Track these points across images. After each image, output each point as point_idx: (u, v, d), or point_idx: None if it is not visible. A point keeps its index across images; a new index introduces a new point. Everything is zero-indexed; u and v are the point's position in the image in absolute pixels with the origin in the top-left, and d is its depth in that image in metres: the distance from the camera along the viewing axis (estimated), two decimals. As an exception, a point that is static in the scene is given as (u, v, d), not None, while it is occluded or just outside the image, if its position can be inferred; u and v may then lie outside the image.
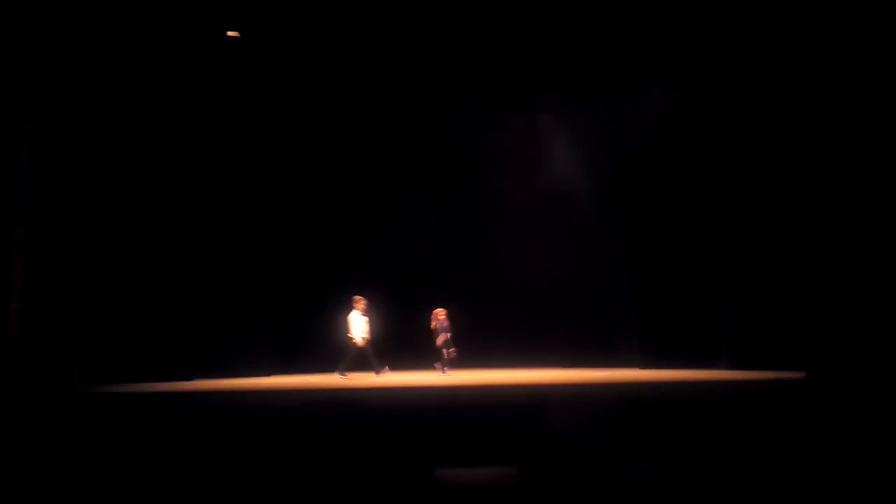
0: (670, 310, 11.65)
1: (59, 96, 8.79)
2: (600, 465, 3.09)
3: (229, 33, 10.80)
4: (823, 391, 6.85)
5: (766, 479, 3.70)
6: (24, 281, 8.19)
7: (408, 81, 12.12)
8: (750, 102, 10.49)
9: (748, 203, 10.69)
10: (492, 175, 13.10)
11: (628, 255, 12.46)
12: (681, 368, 10.75)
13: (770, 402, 6.55)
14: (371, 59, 11.58)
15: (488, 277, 13.00)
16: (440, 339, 11.12)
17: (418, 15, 10.50)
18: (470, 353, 11.45)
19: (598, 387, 8.62)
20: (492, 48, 11.36)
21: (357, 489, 3.22)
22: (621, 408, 6.49)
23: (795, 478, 3.72)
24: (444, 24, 10.73)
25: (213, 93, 10.91)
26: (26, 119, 8.37)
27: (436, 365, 11.18)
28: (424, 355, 11.62)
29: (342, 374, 10.71)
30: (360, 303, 11.07)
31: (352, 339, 10.92)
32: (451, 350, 11.10)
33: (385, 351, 11.20)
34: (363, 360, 10.93)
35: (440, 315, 11.24)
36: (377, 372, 10.80)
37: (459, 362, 11.16)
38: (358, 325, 11.01)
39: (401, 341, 11.94)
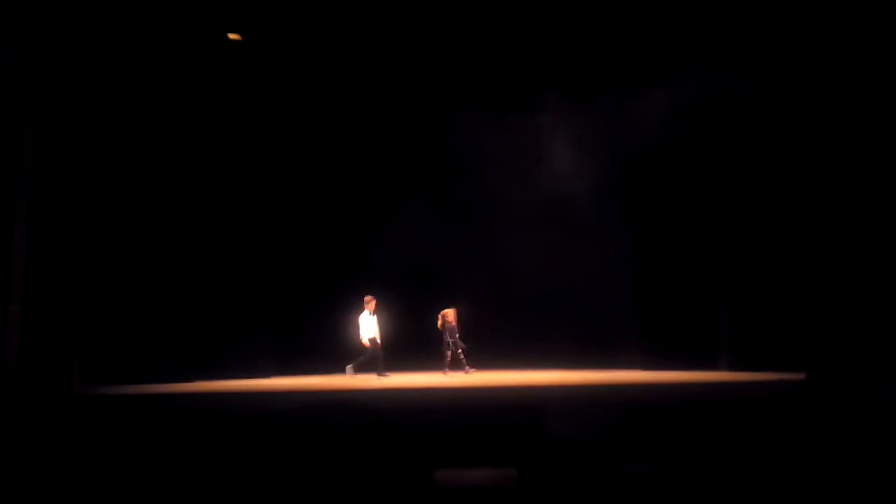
0: (671, 311, 11.65)
1: (60, 96, 8.79)
2: (600, 466, 3.09)
3: (231, 36, 10.82)
4: (824, 392, 6.85)
5: (767, 481, 3.70)
6: (24, 282, 8.18)
7: (410, 83, 12.12)
8: (751, 102, 10.48)
9: (749, 204, 10.70)
10: (493, 175, 13.10)
11: (629, 256, 12.46)
12: (681, 370, 10.75)
13: (770, 403, 6.55)
14: (374, 61, 11.59)
15: (489, 278, 13.00)
16: (448, 340, 11.09)
17: (420, 15, 10.50)
18: (470, 353, 11.43)
19: (598, 388, 8.61)
20: (492, 48, 11.36)
21: (357, 490, 3.22)
22: (621, 409, 6.48)
23: (796, 479, 3.72)
24: (444, 24, 10.73)
25: (215, 93, 10.91)
26: (28, 119, 8.37)
27: (445, 370, 11.12)
28: (423, 355, 11.63)
29: (380, 375, 10.70)
30: (370, 303, 11.06)
31: (367, 339, 10.92)
32: (458, 350, 11.07)
33: (386, 350, 11.19)
34: (372, 360, 10.91)
35: (448, 315, 11.20)
36: (379, 374, 10.79)
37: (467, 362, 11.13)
38: (366, 326, 10.99)
39: (400, 341, 11.93)
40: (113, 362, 9.34)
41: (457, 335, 11.11)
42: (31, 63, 8.40)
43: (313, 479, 3.93)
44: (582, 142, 12.77)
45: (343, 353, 11.71)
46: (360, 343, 10.97)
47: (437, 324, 11.26)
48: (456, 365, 11.06)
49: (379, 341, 11.04)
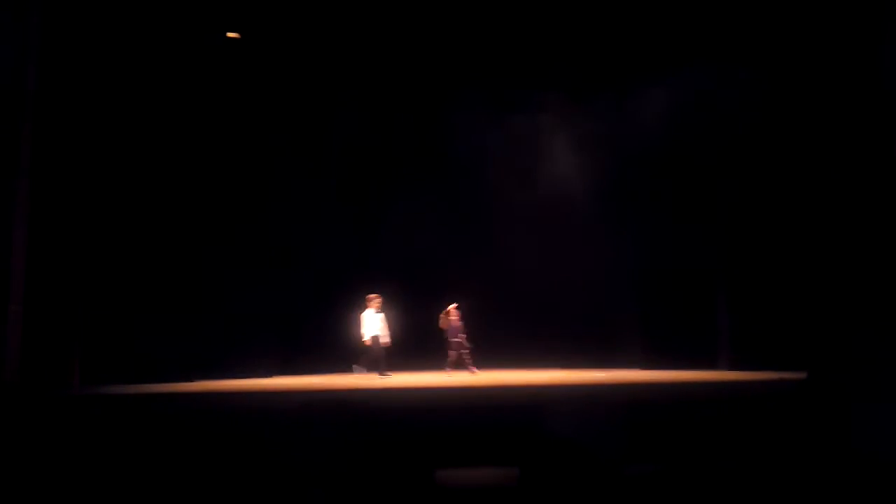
0: (671, 310, 11.65)
1: (59, 96, 8.78)
2: (601, 466, 3.09)
3: (229, 34, 10.82)
4: (824, 391, 6.84)
5: (767, 479, 3.70)
6: (24, 282, 8.18)
7: (411, 82, 12.13)
8: (753, 101, 10.49)
9: (749, 203, 10.70)
10: (493, 174, 13.11)
11: (629, 255, 12.46)
12: (682, 369, 10.75)
13: (771, 402, 6.55)
14: (375, 60, 11.59)
15: (489, 277, 13.00)
16: (452, 339, 11.07)
17: (421, 14, 10.51)
18: (472, 352, 11.42)
19: (599, 387, 8.61)
20: (493, 47, 11.37)
21: (358, 490, 3.22)
22: (622, 409, 6.48)
23: (796, 477, 3.72)
24: (445, 24, 10.74)
25: (214, 91, 10.90)
26: (27, 119, 8.36)
27: (447, 369, 11.10)
28: (424, 354, 11.63)
29: (382, 374, 10.69)
30: (374, 301, 11.05)
31: (368, 337, 10.93)
32: (464, 350, 11.05)
33: (389, 349, 11.18)
34: (376, 358, 10.90)
35: (451, 314, 11.17)
36: (381, 373, 10.78)
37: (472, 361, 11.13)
38: (369, 324, 10.98)
39: (400, 340, 11.92)
40: (113, 362, 9.33)
41: (462, 335, 11.08)
42: (30, 63, 8.39)
43: (315, 478, 3.93)
44: (583, 141, 12.78)
45: (344, 351, 11.72)
46: (362, 341, 10.96)
47: (440, 322, 11.20)
48: (461, 365, 11.04)
49: (388, 339, 10.99)
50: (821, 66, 9.25)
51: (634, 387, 8.72)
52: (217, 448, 5.07)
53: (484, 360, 11.46)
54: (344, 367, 11.66)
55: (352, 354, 11.30)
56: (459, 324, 11.13)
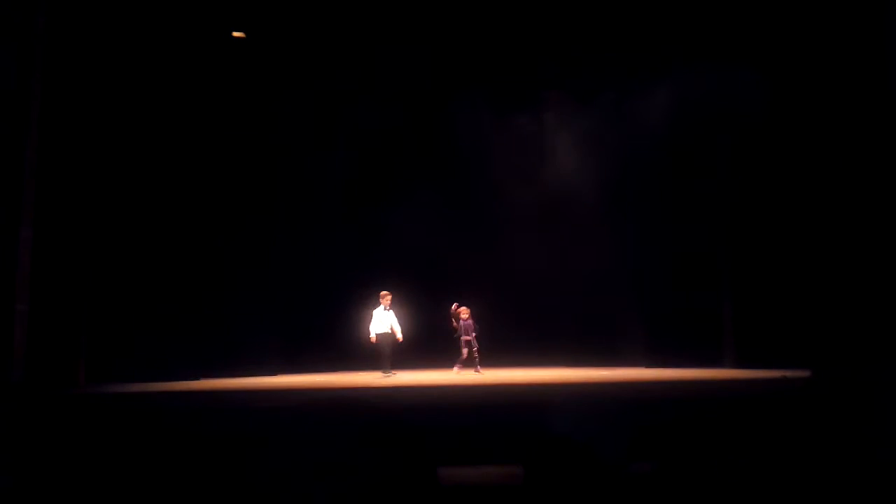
0: (675, 308, 11.63)
1: (65, 98, 8.81)
2: (605, 464, 3.10)
3: (235, 34, 10.84)
4: (829, 389, 6.84)
5: (771, 477, 3.70)
6: (30, 282, 8.21)
7: (413, 82, 12.13)
8: (757, 99, 10.47)
9: (753, 201, 10.68)
10: (497, 173, 13.10)
11: (633, 253, 12.44)
12: (686, 367, 10.74)
13: (775, 400, 6.54)
14: (377, 60, 11.60)
15: (492, 276, 12.98)
16: (463, 337, 11.06)
17: (426, 17, 10.53)
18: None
19: (603, 386, 8.61)
20: (496, 46, 11.36)
21: (362, 487, 3.23)
22: (627, 407, 6.49)
23: (800, 475, 3.72)
24: (450, 24, 10.75)
25: (218, 91, 10.92)
26: (33, 120, 8.39)
27: (457, 366, 11.14)
28: (427, 353, 11.64)
29: (385, 373, 10.71)
30: (385, 298, 11.05)
31: (374, 335, 10.95)
32: (474, 349, 11.05)
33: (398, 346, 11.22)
34: (382, 357, 10.92)
35: (463, 314, 11.17)
36: (385, 372, 10.78)
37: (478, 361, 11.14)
38: (376, 321, 11.00)
39: (404, 339, 11.93)
40: (118, 361, 9.37)
41: (473, 333, 11.09)
42: (37, 64, 8.42)
43: (319, 476, 3.94)
44: (586, 140, 12.76)
45: (349, 350, 11.74)
46: (369, 339, 10.97)
47: (450, 321, 11.17)
48: (469, 364, 11.05)
49: (400, 337, 11.01)
50: (823, 63, 9.23)
51: (639, 385, 8.72)
52: (221, 446, 5.08)
53: (488, 358, 11.45)
54: (348, 364, 11.69)
55: (360, 352, 11.29)
56: (470, 322, 11.13)
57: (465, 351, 11.04)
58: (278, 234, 12.26)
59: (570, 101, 12.77)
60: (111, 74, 9.51)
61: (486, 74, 12.07)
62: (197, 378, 9.83)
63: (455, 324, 11.10)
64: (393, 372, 10.81)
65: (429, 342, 11.74)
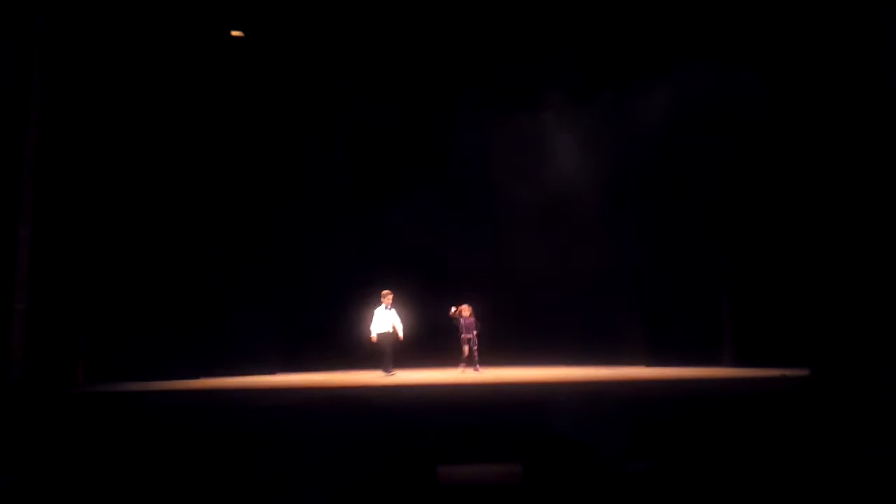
0: (674, 307, 11.63)
1: (64, 96, 8.80)
2: (605, 463, 3.09)
3: (234, 33, 10.83)
4: (827, 388, 6.84)
5: (770, 476, 3.70)
6: (28, 281, 8.21)
7: (413, 81, 12.13)
8: (756, 98, 10.47)
9: (753, 200, 10.68)
10: (497, 173, 13.09)
11: (633, 252, 12.45)
12: (685, 366, 10.75)
13: (774, 399, 6.55)
14: (376, 60, 11.59)
15: (493, 275, 12.98)
16: (464, 337, 11.06)
17: (426, 15, 10.53)
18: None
19: (603, 384, 8.62)
20: (497, 45, 11.36)
21: (360, 486, 3.22)
22: (626, 405, 6.49)
23: (799, 474, 3.71)
24: (446, 23, 10.75)
25: (217, 90, 10.92)
26: (31, 119, 8.38)
27: (461, 365, 11.12)
28: (427, 352, 11.63)
29: (387, 372, 10.70)
30: (386, 297, 11.05)
31: (375, 334, 10.93)
32: (475, 348, 11.04)
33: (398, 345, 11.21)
34: (384, 355, 10.91)
35: (465, 312, 11.17)
36: (386, 370, 10.78)
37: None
38: (378, 320, 10.98)
39: (404, 338, 11.93)
40: (117, 359, 9.36)
41: (475, 332, 11.08)
42: (35, 63, 8.41)
43: (317, 475, 3.94)
44: (586, 140, 12.76)
45: (350, 349, 11.73)
46: (370, 339, 10.97)
47: (452, 319, 11.17)
48: (470, 362, 11.05)
49: (401, 335, 10.99)
50: (823, 62, 9.24)
51: (638, 384, 8.73)
52: (220, 445, 5.08)
53: (487, 357, 11.46)
54: (348, 363, 11.69)
55: (358, 351, 11.28)
56: (472, 320, 11.14)
57: (465, 349, 11.04)
58: (278, 232, 12.26)
59: (570, 100, 12.76)
60: (110, 74, 9.50)
61: (486, 74, 12.07)
62: (196, 377, 9.83)
63: (458, 322, 11.11)
64: (394, 371, 10.80)
65: (429, 341, 11.74)
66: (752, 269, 10.72)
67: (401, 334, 10.99)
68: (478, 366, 11.04)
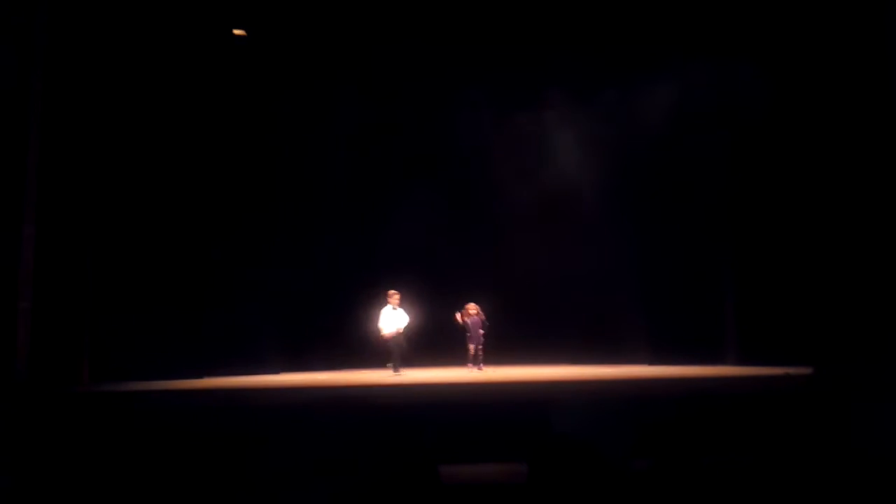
0: (678, 305, 11.61)
1: (66, 95, 8.82)
2: (609, 461, 3.09)
3: (236, 31, 10.83)
4: (831, 386, 6.82)
5: (774, 474, 3.69)
6: (33, 280, 8.22)
7: (414, 81, 12.12)
8: (758, 95, 10.45)
9: (755, 197, 10.66)
10: (497, 172, 13.08)
11: (636, 250, 12.42)
12: (689, 364, 10.73)
13: (778, 397, 6.53)
14: (376, 60, 11.59)
15: (494, 274, 12.97)
16: (470, 336, 11.04)
17: (426, 14, 10.53)
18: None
19: (607, 383, 8.61)
20: (497, 44, 11.35)
21: (364, 485, 3.23)
22: (630, 404, 6.48)
23: (803, 472, 3.71)
24: (446, 22, 10.75)
25: (219, 90, 10.90)
26: (34, 118, 8.39)
27: (469, 365, 11.11)
28: (429, 351, 11.63)
29: (395, 371, 10.70)
30: (393, 297, 11.04)
31: (381, 331, 10.92)
32: (479, 347, 11.03)
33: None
34: (388, 353, 10.90)
35: (471, 310, 11.15)
36: (394, 369, 10.77)
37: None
38: (386, 319, 10.98)
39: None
40: (122, 359, 9.37)
41: (480, 331, 11.07)
42: (37, 62, 8.42)
43: (320, 474, 3.94)
44: (587, 138, 12.74)
45: (354, 348, 11.72)
46: (380, 337, 10.96)
47: (457, 319, 11.15)
48: (475, 361, 11.05)
49: (401, 329, 11.01)
50: (824, 59, 9.22)
51: (642, 382, 8.72)
52: (223, 444, 5.09)
53: (491, 356, 11.45)
54: (352, 363, 11.68)
55: (363, 350, 11.27)
56: (478, 319, 11.12)
57: (470, 347, 11.04)
58: (280, 232, 12.25)
59: (571, 98, 12.74)
60: (112, 73, 9.50)
61: (485, 73, 12.05)
62: (200, 377, 9.84)
63: (463, 321, 11.10)
64: (401, 371, 10.80)
65: (431, 341, 11.73)
66: (754, 267, 10.70)
67: (401, 328, 10.96)
68: (481, 365, 11.03)
